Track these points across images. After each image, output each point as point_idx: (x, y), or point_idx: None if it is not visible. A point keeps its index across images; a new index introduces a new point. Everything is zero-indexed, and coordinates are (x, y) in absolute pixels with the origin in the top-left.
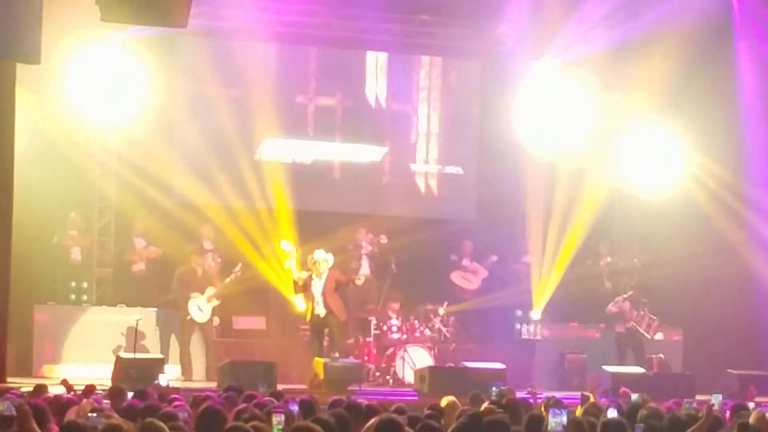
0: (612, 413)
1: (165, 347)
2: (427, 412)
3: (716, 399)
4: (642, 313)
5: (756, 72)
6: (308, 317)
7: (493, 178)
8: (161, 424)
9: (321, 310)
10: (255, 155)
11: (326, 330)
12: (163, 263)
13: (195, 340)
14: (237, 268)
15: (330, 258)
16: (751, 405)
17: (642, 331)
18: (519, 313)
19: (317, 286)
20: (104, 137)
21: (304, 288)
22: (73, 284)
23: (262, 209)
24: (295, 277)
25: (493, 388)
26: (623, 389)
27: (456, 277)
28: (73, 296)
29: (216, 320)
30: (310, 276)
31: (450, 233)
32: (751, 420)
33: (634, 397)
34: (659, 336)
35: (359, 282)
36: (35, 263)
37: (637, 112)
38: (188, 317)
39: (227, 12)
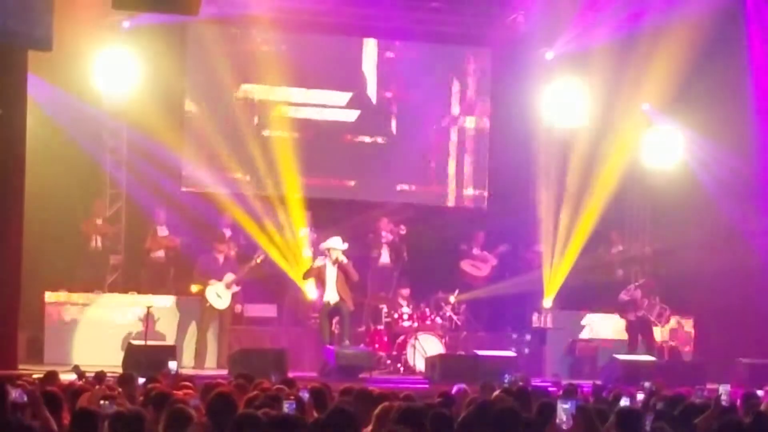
0: (625, 402)
1: (182, 334)
2: (437, 400)
3: (723, 389)
4: (653, 301)
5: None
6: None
7: (505, 167)
8: (189, 410)
9: (332, 297)
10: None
11: (336, 318)
12: (182, 252)
13: (210, 327)
14: (258, 256)
15: (344, 246)
16: (760, 393)
17: (653, 319)
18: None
19: (330, 274)
20: (115, 124)
21: (318, 274)
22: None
23: (274, 197)
24: (313, 264)
25: (507, 376)
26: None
27: (466, 265)
28: (89, 283)
29: (238, 308)
30: (324, 263)
31: (462, 222)
32: (763, 407)
33: (647, 385)
34: (670, 324)
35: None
36: (47, 250)
37: (648, 101)
38: (208, 304)
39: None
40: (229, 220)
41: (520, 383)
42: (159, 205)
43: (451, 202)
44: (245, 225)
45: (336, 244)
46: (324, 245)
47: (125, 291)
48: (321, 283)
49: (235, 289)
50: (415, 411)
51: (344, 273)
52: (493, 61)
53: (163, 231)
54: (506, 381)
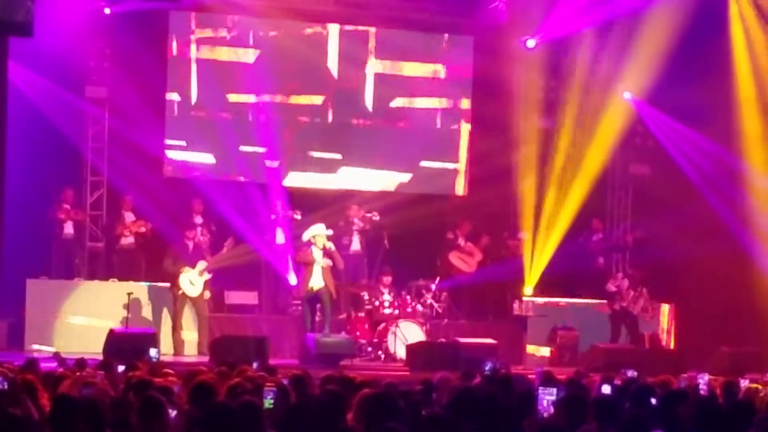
0: (606, 389)
1: (157, 321)
2: (418, 387)
3: (702, 379)
4: (638, 293)
5: (750, 48)
6: (303, 291)
7: (487, 154)
8: (161, 397)
9: (317, 284)
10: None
11: (318, 305)
12: (152, 237)
13: (187, 314)
14: (228, 242)
15: (329, 232)
16: (744, 382)
17: (635, 313)
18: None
19: (318, 261)
20: (97, 111)
21: (310, 262)
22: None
23: (253, 183)
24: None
25: (488, 364)
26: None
27: (454, 257)
28: (66, 271)
29: (207, 294)
30: (310, 249)
31: (444, 209)
32: (742, 395)
33: (630, 373)
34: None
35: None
36: (27, 237)
37: (630, 89)
38: (180, 291)
39: None
40: (200, 207)
41: (502, 371)
42: (130, 191)
43: (432, 190)
44: (223, 211)
45: (321, 230)
46: (308, 233)
47: (106, 278)
48: (309, 270)
49: (207, 276)
50: (386, 398)
51: (331, 259)
52: (475, 49)
53: (130, 217)
54: (487, 369)
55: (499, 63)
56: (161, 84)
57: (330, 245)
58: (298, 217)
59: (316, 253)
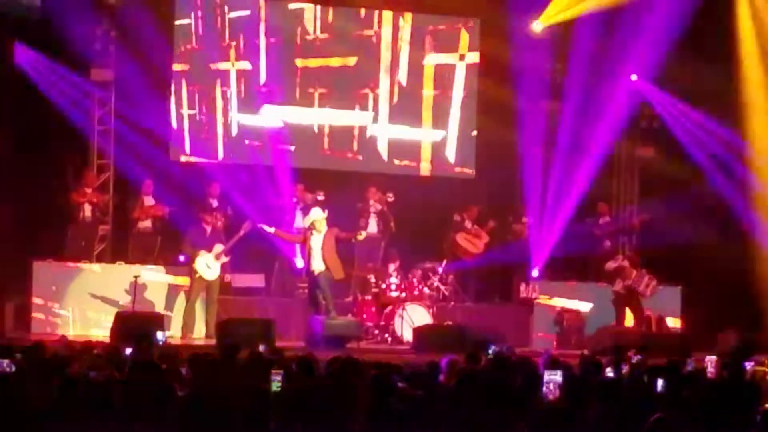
0: (610, 372)
1: (167, 304)
2: (425, 370)
3: (710, 360)
4: (640, 272)
5: (756, 28)
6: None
7: (493, 137)
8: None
9: (317, 266)
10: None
11: (317, 289)
12: (169, 221)
13: (198, 298)
14: (245, 225)
15: (324, 213)
16: (749, 365)
17: (640, 290)
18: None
19: (317, 243)
20: (102, 93)
21: (304, 242)
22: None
23: (266, 167)
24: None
25: (492, 347)
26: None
27: (461, 238)
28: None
29: (227, 277)
30: (310, 231)
31: (450, 192)
32: (748, 376)
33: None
34: (657, 295)
35: (361, 237)
36: (34, 220)
37: (636, 71)
38: (197, 275)
39: None
40: (216, 191)
41: (506, 354)
42: (146, 175)
43: (438, 172)
44: (235, 195)
45: (319, 214)
46: (308, 220)
47: (113, 261)
48: (310, 253)
49: (225, 259)
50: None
51: (340, 240)
52: (482, 31)
53: (149, 201)
54: (491, 352)
55: (506, 45)
56: (167, 66)
57: (322, 228)
58: (321, 197)
59: (316, 238)
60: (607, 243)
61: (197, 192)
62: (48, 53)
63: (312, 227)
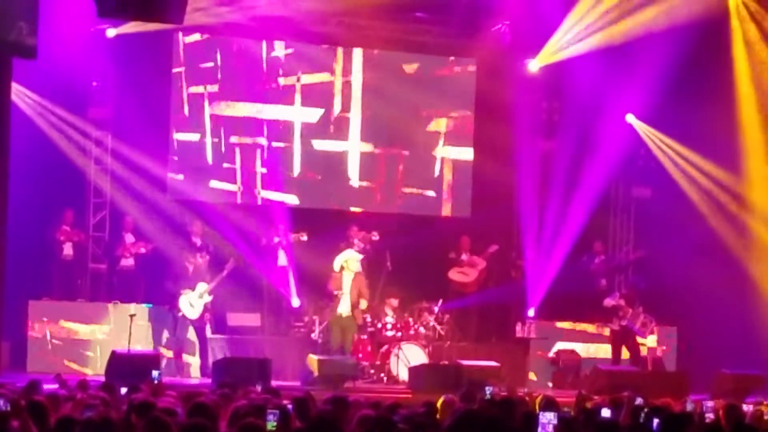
0: (606, 413)
1: (159, 343)
2: (421, 409)
3: (709, 404)
4: (637, 311)
5: (752, 70)
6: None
7: (489, 177)
8: (167, 419)
9: (344, 310)
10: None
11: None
12: (153, 258)
13: (189, 336)
14: (229, 264)
15: (360, 256)
16: (747, 407)
17: (636, 329)
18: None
19: (347, 285)
20: (99, 133)
21: (337, 285)
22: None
23: (256, 205)
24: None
25: (488, 388)
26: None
27: (453, 273)
28: (66, 292)
29: (207, 316)
30: (341, 275)
31: (446, 230)
32: (748, 419)
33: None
34: (653, 336)
35: (303, 238)
36: (30, 259)
37: (632, 111)
38: (180, 314)
39: (221, 9)
40: (199, 229)
41: (503, 393)
42: (128, 213)
43: (434, 212)
44: (224, 232)
45: (353, 254)
46: (339, 260)
47: (108, 300)
48: (337, 297)
49: (208, 298)
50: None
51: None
52: (478, 72)
53: (129, 238)
54: (488, 393)
55: (502, 85)
56: (165, 105)
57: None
58: (305, 238)
59: (347, 278)
60: (603, 282)
61: (185, 229)
62: (45, 93)
63: (344, 268)
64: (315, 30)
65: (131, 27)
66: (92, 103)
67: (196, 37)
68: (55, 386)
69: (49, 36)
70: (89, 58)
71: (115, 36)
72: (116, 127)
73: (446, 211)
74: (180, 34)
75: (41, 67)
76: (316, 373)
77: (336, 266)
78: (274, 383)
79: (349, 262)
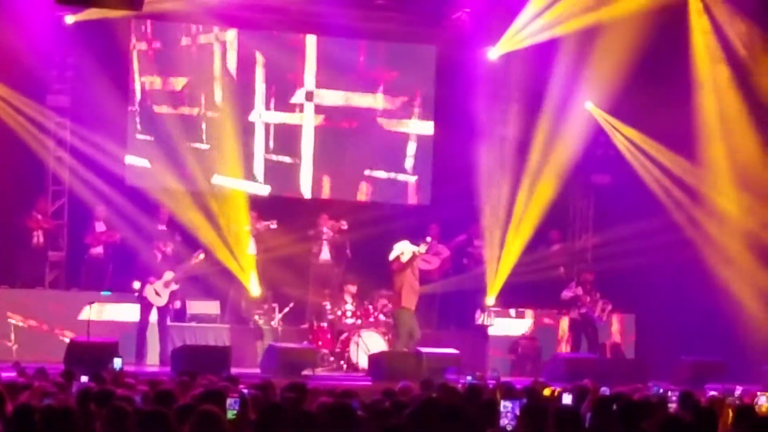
0: (567, 399)
1: (121, 331)
2: (380, 397)
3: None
4: (594, 298)
5: (710, 60)
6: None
7: (449, 165)
8: (126, 406)
9: (412, 303)
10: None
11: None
12: (121, 247)
13: (151, 324)
14: (199, 255)
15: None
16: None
17: (595, 316)
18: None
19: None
20: (59, 120)
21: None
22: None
23: (220, 193)
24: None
25: (468, 377)
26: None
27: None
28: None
29: (177, 304)
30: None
31: (406, 219)
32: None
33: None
34: (613, 322)
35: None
36: None
37: (591, 99)
38: (146, 302)
39: None
40: (165, 217)
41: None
42: (98, 201)
43: (395, 199)
44: (190, 220)
45: (408, 245)
46: (396, 250)
47: (67, 288)
48: (410, 287)
49: (174, 287)
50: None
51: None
52: (438, 60)
53: (100, 227)
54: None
55: (462, 73)
56: (123, 92)
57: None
58: (274, 226)
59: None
60: (562, 269)
61: (150, 217)
62: (3, 79)
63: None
64: (273, 18)
65: (90, 14)
66: (51, 90)
67: (153, 24)
68: (13, 374)
69: (7, 23)
70: (48, 45)
71: (74, 23)
72: (75, 115)
73: (412, 198)
74: (138, 22)
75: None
76: (275, 361)
77: (392, 256)
78: (233, 371)
79: (405, 253)
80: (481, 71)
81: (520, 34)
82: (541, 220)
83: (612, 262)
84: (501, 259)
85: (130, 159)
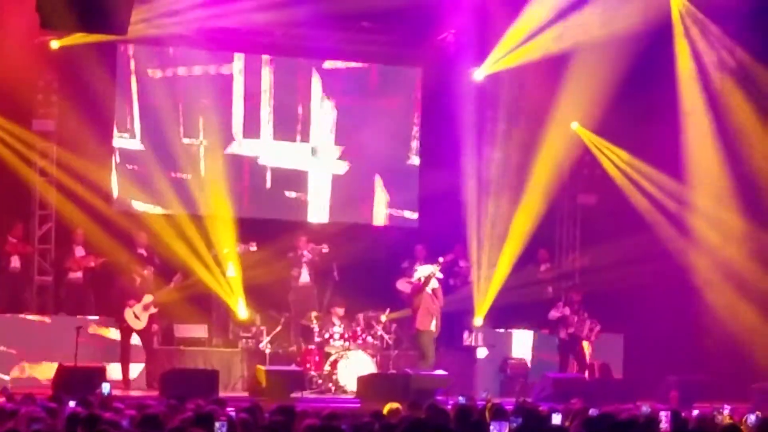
0: (556, 419)
1: (107, 355)
2: (369, 419)
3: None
4: (582, 317)
5: (695, 77)
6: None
7: (435, 186)
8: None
9: (434, 325)
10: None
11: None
12: (101, 271)
13: (136, 348)
14: (176, 277)
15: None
16: (695, 412)
17: (583, 336)
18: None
19: (432, 300)
20: (44, 144)
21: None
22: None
23: (203, 216)
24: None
25: (460, 398)
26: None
27: (400, 284)
28: (12, 305)
29: (155, 327)
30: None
31: (392, 240)
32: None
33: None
34: (600, 343)
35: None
36: None
37: (577, 119)
38: (125, 325)
39: (167, 20)
40: (144, 240)
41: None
42: (78, 226)
43: (380, 221)
44: (172, 244)
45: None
46: (420, 273)
47: (55, 312)
48: (425, 310)
49: (153, 310)
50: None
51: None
52: (423, 81)
53: (79, 251)
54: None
55: (447, 94)
56: (109, 116)
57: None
58: (254, 248)
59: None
60: (550, 289)
61: (131, 241)
62: None
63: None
64: (261, 41)
65: (75, 38)
66: (36, 114)
67: (139, 48)
68: (1, 399)
69: None
70: (33, 69)
71: (60, 48)
72: (61, 139)
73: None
74: (124, 46)
75: None
76: (263, 384)
77: (414, 277)
78: (221, 394)
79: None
80: (466, 92)
81: (506, 55)
82: (528, 240)
83: (599, 282)
84: (489, 280)
85: (115, 182)
